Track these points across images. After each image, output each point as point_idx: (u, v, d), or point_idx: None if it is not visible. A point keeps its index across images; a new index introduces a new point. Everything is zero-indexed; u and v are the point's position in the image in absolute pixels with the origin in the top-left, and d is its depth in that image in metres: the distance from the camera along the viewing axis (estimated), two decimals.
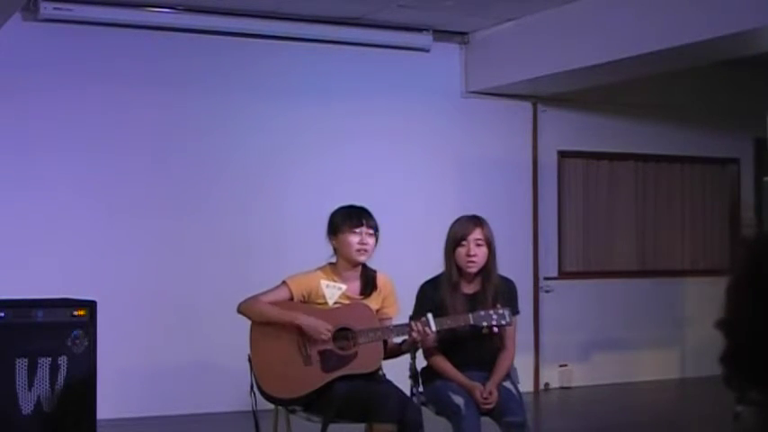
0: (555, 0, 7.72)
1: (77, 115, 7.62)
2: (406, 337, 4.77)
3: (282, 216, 8.10)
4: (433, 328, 4.64)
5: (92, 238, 7.59)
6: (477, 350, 4.83)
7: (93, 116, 7.66)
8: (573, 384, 9.23)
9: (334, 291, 4.81)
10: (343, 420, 4.70)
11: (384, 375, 4.87)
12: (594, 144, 9.46)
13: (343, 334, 4.75)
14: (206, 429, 7.56)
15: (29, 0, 7.19)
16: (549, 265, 9.26)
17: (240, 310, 4.81)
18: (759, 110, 8.33)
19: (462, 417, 4.61)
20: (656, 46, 7.10)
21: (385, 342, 4.82)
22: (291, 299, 4.79)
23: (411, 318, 4.76)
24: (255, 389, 4.80)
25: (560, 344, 9.21)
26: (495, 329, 4.73)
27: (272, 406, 4.91)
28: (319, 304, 4.79)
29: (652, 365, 9.58)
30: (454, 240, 4.86)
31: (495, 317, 4.71)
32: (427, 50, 8.64)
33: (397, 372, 4.87)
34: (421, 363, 4.90)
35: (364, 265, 4.90)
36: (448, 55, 8.80)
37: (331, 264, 4.90)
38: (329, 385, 4.69)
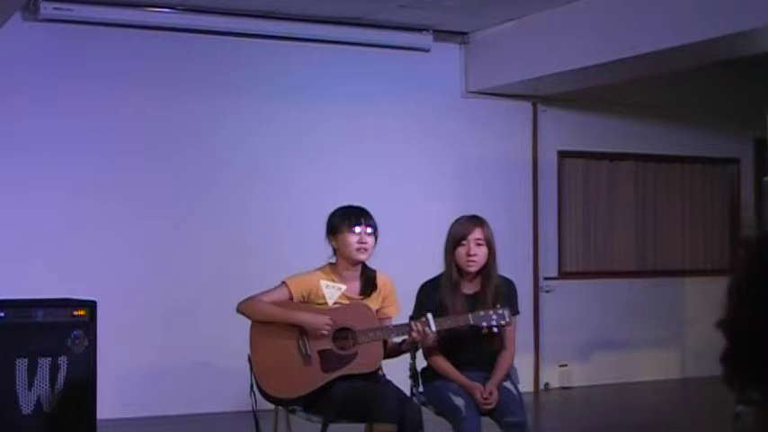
0: (555, 0, 7.72)
1: (77, 115, 7.62)
2: (405, 337, 4.77)
3: (282, 216, 8.10)
4: (433, 328, 4.65)
5: (92, 238, 7.59)
6: (476, 350, 4.82)
7: (93, 116, 7.66)
8: (573, 384, 9.23)
9: (333, 291, 4.80)
10: (343, 420, 4.70)
11: (384, 375, 4.87)
12: (594, 144, 9.46)
13: (343, 334, 4.75)
14: (206, 429, 7.56)
15: (29, 0, 7.19)
16: (549, 265, 9.26)
17: (239, 310, 4.80)
18: (759, 110, 8.33)
19: (462, 417, 4.61)
20: (656, 46, 7.10)
21: (385, 342, 4.82)
22: (291, 299, 4.79)
23: (411, 318, 4.77)
24: (255, 389, 4.80)
25: (560, 344, 9.21)
26: (495, 330, 4.73)
27: (272, 406, 4.91)
28: (319, 304, 4.79)
29: (652, 365, 9.58)
30: (454, 240, 4.85)
31: (494, 317, 4.71)
32: (427, 50, 8.64)
33: (397, 372, 4.88)
34: (421, 363, 4.91)
35: (364, 265, 4.89)
36: (448, 55, 8.81)
37: (331, 264, 4.89)
38: (329, 385, 4.69)
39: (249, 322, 4.80)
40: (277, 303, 4.76)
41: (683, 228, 9.92)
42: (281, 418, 4.95)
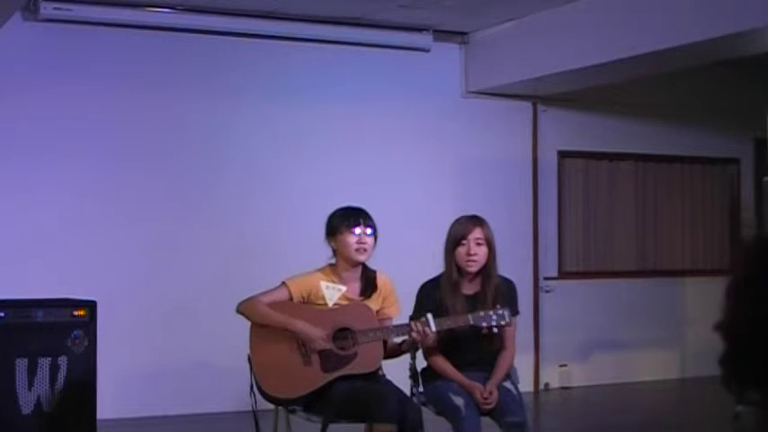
0: (555, 0, 7.72)
1: (77, 115, 7.62)
2: (405, 337, 4.78)
3: (282, 216, 8.10)
4: (433, 329, 4.65)
5: (92, 239, 7.59)
6: (476, 350, 4.82)
7: (93, 116, 7.66)
8: (573, 384, 9.23)
9: (333, 292, 4.80)
10: (343, 420, 4.70)
11: (384, 375, 4.87)
12: (594, 144, 9.46)
13: (343, 334, 4.74)
14: (206, 429, 7.56)
15: (29, 0, 7.20)
16: (549, 265, 9.26)
17: (239, 311, 4.80)
18: (759, 110, 8.33)
19: (462, 417, 4.61)
20: (656, 46, 7.10)
21: (385, 342, 4.82)
22: (291, 300, 4.79)
23: (411, 318, 4.77)
24: (255, 389, 4.80)
25: (560, 344, 9.21)
26: (495, 330, 4.73)
27: (272, 406, 4.91)
28: (319, 305, 4.79)
29: (652, 365, 9.58)
30: (454, 240, 4.85)
31: (494, 317, 4.71)
32: (427, 50, 8.64)
33: (397, 372, 4.87)
34: (421, 363, 4.90)
35: (364, 266, 4.89)
36: (448, 55, 8.81)
37: (331, 265, 4.89)
38: (329, 385, 4.69)
39: (249, 322, 4.80)
40: (277, 305, 4.76)
41: (683, 228, 9.92)
42: (281, 418, 4.95)
